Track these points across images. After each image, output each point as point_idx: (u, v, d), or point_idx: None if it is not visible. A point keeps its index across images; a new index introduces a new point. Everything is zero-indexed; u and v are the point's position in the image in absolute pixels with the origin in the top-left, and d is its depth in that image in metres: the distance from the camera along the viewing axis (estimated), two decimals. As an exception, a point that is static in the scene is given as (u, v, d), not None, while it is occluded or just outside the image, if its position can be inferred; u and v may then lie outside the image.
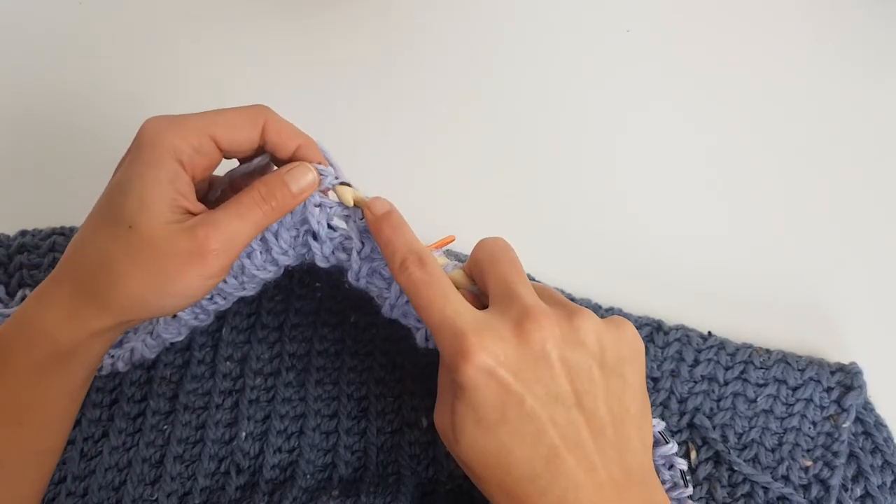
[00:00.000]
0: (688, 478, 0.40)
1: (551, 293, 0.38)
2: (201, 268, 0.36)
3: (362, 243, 0.40)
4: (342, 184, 0.40)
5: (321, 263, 0.41)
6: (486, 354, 0.33)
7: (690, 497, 0.40)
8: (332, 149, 0.41)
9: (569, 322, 0.35)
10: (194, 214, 0.37)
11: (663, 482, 0.40)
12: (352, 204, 0.40)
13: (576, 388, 0.34)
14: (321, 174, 0.39)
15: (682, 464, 0.40)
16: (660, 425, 0.40)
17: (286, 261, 0.41)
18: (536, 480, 0.33)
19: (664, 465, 0.40)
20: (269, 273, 0.41)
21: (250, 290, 0.42)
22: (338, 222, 0.40)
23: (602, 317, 0.37)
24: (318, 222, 0.40)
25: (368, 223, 0.39)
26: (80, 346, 0.37)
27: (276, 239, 0.40)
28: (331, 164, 0.40)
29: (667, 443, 0.40)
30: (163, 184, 0.36)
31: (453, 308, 0.35)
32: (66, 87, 0.60)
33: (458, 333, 0.34)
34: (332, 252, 0.40)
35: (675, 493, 0.39)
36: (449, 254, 0.49)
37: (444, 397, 0.37)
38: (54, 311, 0.36)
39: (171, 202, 0.36)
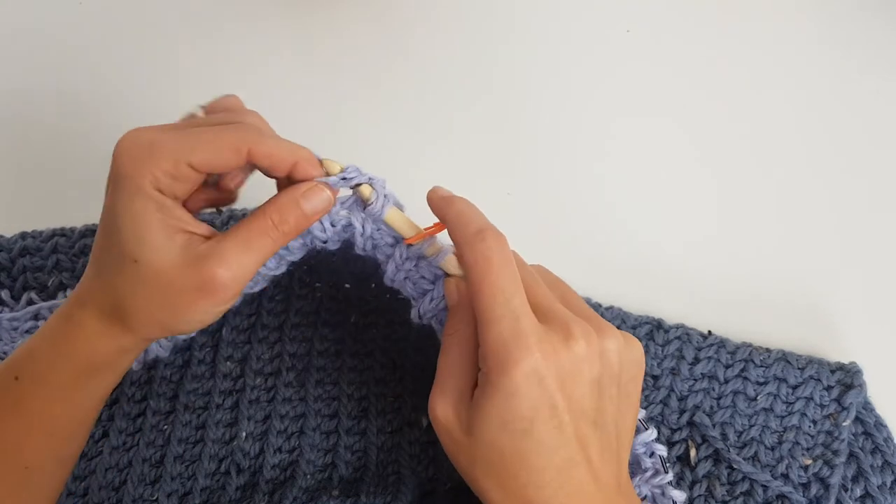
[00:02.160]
0: (667, 464, 0.41)
1: (577, 301, 0.38)
2: (210, 301, 0.35)
3: (363, 227, 0.39)
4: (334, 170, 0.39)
5: (333, 247, 0.40)
6: (542, 361, 0.33)
7: (671, 483, 0.40)
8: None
9: (600, 340, 0.35)
10: (198, 234, 0.36)
11: (645, 470, 0.40)
12: (337, 169, 0.38)
13: (597, 406, 0.35)
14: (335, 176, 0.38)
15: (661, 450, 0.40)
16: (640, 413, 0.40)
17: (293, 257, 0.41)
18: (544, 488, 0.34)
19: (644, 453, 0.40)
20: (279, 271, 0.41)
21: (259, 286, 0.42)
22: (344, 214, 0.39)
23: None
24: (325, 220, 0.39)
25: (431, 201, 0.38)
26: (111, 361, 0.37)
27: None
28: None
29: (646, 429, 0.40)
30: (151, 213, 0.35)
31: (520, 302, 0.34)
32: (65, 87, 0.60)
33: (521, 332, 0.33)
34: (341, 232, 0.40)
35: (656, 480, 0.40)
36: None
37: (452, 385, 0.36)
38: (86, 329, 0.36)
39: (166, 229, 0.35)
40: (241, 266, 0.35)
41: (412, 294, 0.40)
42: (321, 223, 0.39)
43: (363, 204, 0.39)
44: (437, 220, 0.39)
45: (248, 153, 0.36)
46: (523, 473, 0.34)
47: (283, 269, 0.41)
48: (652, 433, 0.40)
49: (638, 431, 0.40)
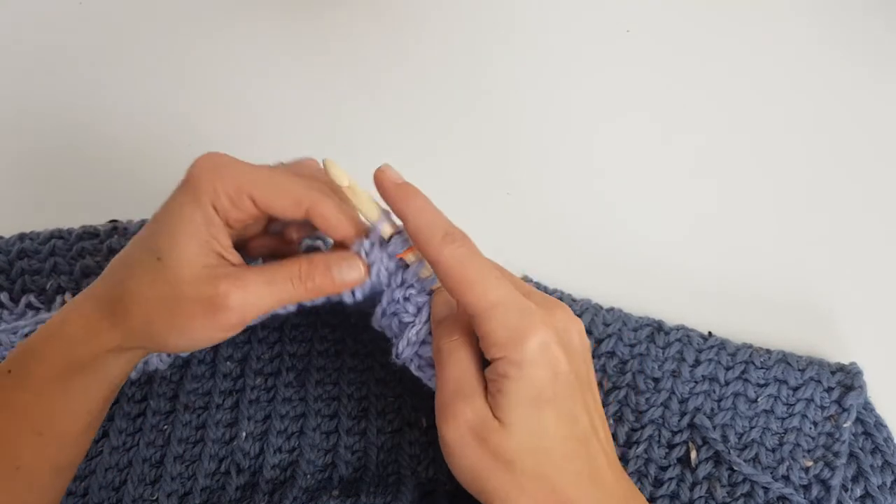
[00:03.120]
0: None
1: (519, 283, 0.39)
2: (212, 320, 0.35)
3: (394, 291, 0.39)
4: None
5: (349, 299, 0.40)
6: (549, 330, 0.34)
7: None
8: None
9: (573, 316, 0.37)
10: (228, 261, 0.36)
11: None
12: (345, 181, 0.38)
13: (588, 378, 0.37)
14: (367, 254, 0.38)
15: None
16: None
17: None
18: (574, 462, 0.34)
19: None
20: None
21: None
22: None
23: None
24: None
25: (386, 191, 0.37)
26: (97, 361, 0.37)
27: None
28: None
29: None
30: (197, 223, 0.35)
31: (507, 287, 0.35)
32: (65, 87, 0.60)
33: (525, 308, 0.34)
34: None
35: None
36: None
37: (471, 385, 0.35)
38: (76, 323, 0.36)
39: (203, 244, 0.35)
40: (255, 297, 0.36)
41: (396, 332, 0.39)
42: (352, 292, 0.39)
43: (404, 264, 0.39)
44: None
45: (308, 209, 0.37)
46: (555, 449, 0.34)
47: (292, 308, 0.41)
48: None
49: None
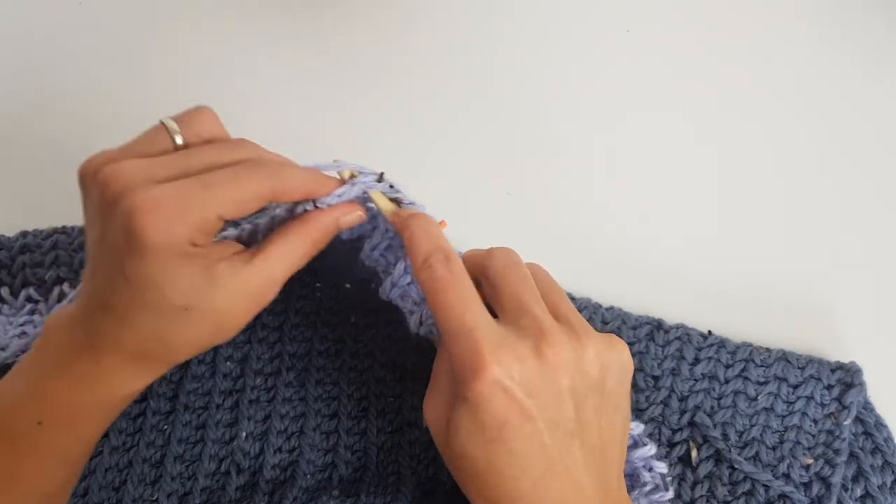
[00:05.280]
0: (668, 480, 0.41)
1: (564, 305, 0.38)
2: (258, 306, 0.37)
3: (387, 228, 0.40)
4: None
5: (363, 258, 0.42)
6: (501, 371, 0.33)
7: (671, 501, 0.40)
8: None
9: (580, 347, 0.35)
10: (231, 254, 0.36)
11: (644, 484, 0.40)
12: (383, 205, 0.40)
13: (578, 417, 0.35)
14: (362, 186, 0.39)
15: (661, 468, 0.40)
16: (638, 428, 0.40)
17: None
18: (523, 499, 0.34)
19: (644, 467, 0.40)
20: None
21: None
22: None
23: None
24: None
25: (394, 220, 0.39)
26: (137, 392, 0.38)
27: None
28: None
29: (645, 445, 0.40)
30: (194, 271, 0.34)
31: (473, 317, 0.34)
32: (65, 87, 0.60)
33: (475, 347, 0.33)
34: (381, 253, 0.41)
35: (656, 496, 0.40)
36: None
37: (440, 390, 0.36)
38: (115, 374, 0.36)
39: (209, 274, 0.34)
40: (286, 268, 0.37)
41: (409, 306, 0.40)
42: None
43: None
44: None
45: (272, 197, 0.36)
46: (498, 484, 0.34)
47: None
48: (651, 449, 0.40)
49: (637, 446, 0.40)
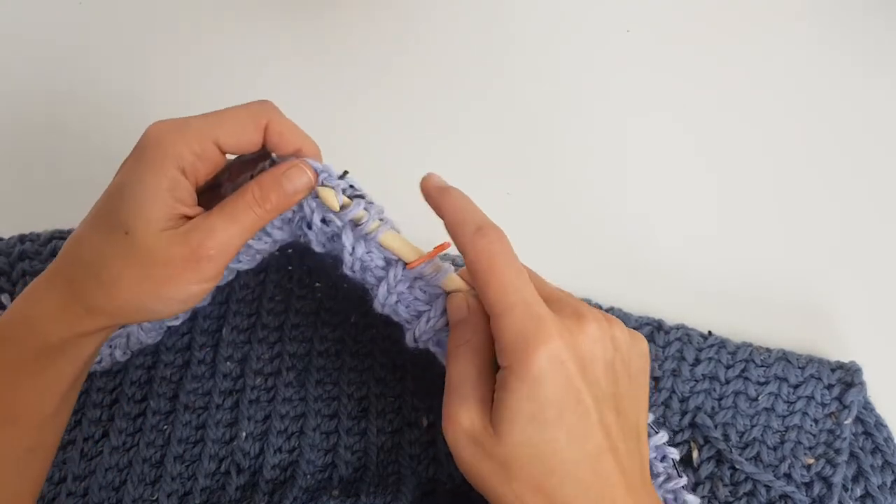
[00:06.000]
0: (679, 467, 0.40)
1: (573, 298, 0.38)
2: (196, 273, 0.36)
3: (353, 248, 0.39)
4: (331, 187, 0.39)
5: (317, 248, 0.40)
6: (562, 343, 0.33)
7: (685, 487, 0.40)
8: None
9: (609, 327, 0.35)
10: (191, 216, 0.37)
11: (657, 475, 0.40)
12: (337, 208, 0.38)
13: (615, 391, 0.35)
14: (318, 172, 0.38)
15: (673, 453, 0.40)
16: (650, 417, 0.40)
17: (280, 235, 0.40)
18: (581, 481, 0.33)
19: (656, 457, 0.40)
20: (263, 245, 0.41)
21: (246, 264, 0.42)
22: (333, 218, 0.39)
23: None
24: (313, 213, 0.39)
25: (428, 195, 0.38)
26: (68, 344, 0.37)
27: None
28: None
29: (656, 433, 0.40)
30: (162, 192, 0.35)
31: (531, 291, 0.34)
32: (65, 87, 0.60)
33: (538, 317, 0.33)
34: (327, 241, 0.40)
35: (670, 485, 0.39)
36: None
37: (466, 395, 0.35)
38: (43, 307, 0.36)
39: (168, 210, 0.36)
40: (226, 236, 0.36)
41: (405, 318, 0.39)
42: (307, 204, 0.39)
43: (353, 224, 0.38)
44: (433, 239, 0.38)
45: (266, 127, 0.38)
46: (559, 468, 0.33)
47: (268, 244, 0.41)
48: (663, 436, 0.40)
49: (648, 435, 0.39)
